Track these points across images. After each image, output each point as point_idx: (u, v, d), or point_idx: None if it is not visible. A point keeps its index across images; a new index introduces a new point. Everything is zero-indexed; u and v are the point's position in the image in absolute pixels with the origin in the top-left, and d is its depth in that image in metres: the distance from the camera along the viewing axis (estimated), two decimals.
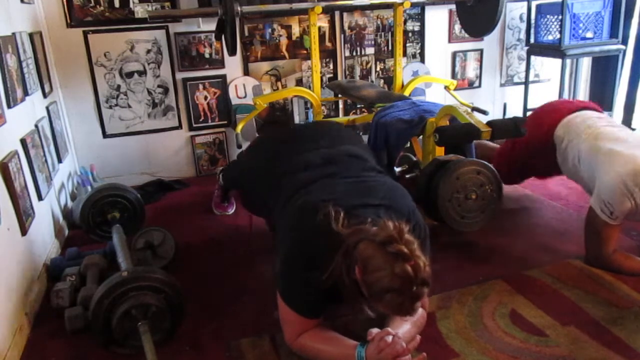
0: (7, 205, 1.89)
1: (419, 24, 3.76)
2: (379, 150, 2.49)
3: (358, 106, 3.74)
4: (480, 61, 3.97)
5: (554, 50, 3.52)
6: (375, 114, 2.62)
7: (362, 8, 3.57)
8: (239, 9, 2.65)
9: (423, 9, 3.72)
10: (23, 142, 2.19)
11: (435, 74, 3.79)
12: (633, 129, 3.58)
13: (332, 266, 1.41)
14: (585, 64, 4.10)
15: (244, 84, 3.49)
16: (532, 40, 3.78)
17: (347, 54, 3.67)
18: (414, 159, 2.81)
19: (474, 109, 2.80)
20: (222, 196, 2.86)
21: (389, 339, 1.40)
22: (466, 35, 3.52)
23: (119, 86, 3.27)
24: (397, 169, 2.77)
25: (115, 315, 1.63)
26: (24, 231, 2.00)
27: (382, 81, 3.80)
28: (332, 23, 3.57)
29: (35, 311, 1.96)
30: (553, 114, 2.34)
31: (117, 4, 3.14)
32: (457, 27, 3.76)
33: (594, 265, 2.06)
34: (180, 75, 3.37)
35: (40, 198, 2.31)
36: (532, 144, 2.35)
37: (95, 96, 3.24)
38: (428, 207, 2.23)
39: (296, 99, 3.62)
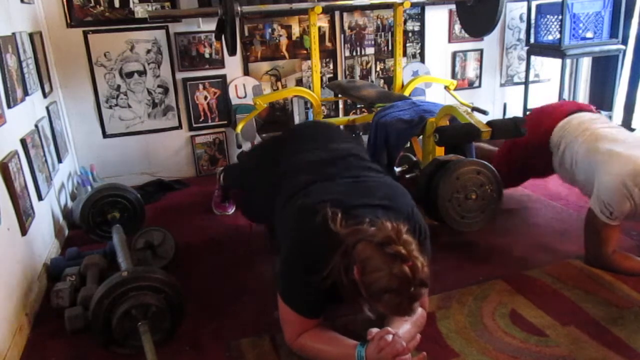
0: (7, 205, 1.89)
1: (419, 24, 3.76)
2: (379, 150, 2.49)
3: (358, 106, 3.74)
4: (480, 61, 3.97)
5: (554, 50, 3.52)
6: (375, 114, 2.62)
7: (362, 8, 3.57)
8: (239, 9, 2.65)
9: (423, 9, 3.72)
10: (23, 142, 2.19)
11: (435, 74, 3.79)
12: (633, 129, 3.58)
13: (330, 266, 1.41)
14: (585, 64, 4.10)
15: (244, 84, 3.49)
16: (532, 40, 3.78)
17: (347, 54, 3.67)
18: (414, 159, 2.81)
19: (474, 109, 2.80)
20: (222, 196, 2.86)
21: (389, 338, 1.41)
22: (466, 35, 3.52)
23: (119, 86, 3.27)
24: (397, 169, 2.77)
25: (115, 315, 1.63)
26: (24, 231, 2.00)
27: (382, 81, 3.80)
28: (332, 23, 3.57)
29: (35, 311, 1.96)
30: (548, 119, 2.34)
31: (117, 4, 3.14)
32: (457, 27, 3.76)
33: (594, 265, 2.06)
34: (180, 75, 3.37)
35: (40, 198, 2.31)
36: (532, 143, 2.35)
37: (95, 96, 3.24)
38: (428, 207, 2.23)
39: (296, 99, 3.62)
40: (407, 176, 2.78)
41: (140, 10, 3.17)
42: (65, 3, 3.04)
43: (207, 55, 3.38)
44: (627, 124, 3.61)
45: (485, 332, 1.71)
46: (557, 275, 2.04)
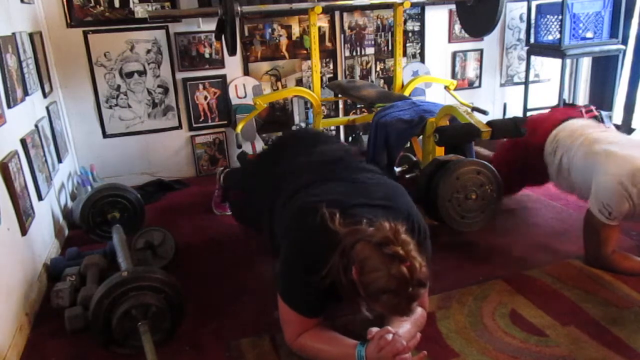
0: (7, 205, 1.89)
1: (419, 24, 3.76)
2: (379, 150, 2.50)
3: (358, 106, 3.74)
4: (480, 61, 3.97)
5: (554, 50, 3.52)
6: (375, 114, 2.62)
7: (362, 8, 3.57)
8: (239, 9, 2.65)
9: (423, 9, 3.72)
10: (23, 142, 2.19)
11: (435, 74, 3.79)
12: (633, 129, 3.58)
13: (329, 265, 1.41)
14: (585, 64, 4.10)
15: (244, 84, 3.49)
16: (532, 40, 3.78)
17: (347, 54, 3.67)
18: (414, 159, 2.82)
19: (474, 109, 2.80)
20: (222, 196, 2.85)
21: (389, 337, 1.41)
22: (466, 35, 3.52)
23: (119, 86, 3.27)
24: (397, 169, 2.77)
25: (115, 315, 1.63)
26: (24, 231, 2.00)
27: (382, 81, 3.80)
28: (332, 23, 3.57)
29: (35, 311, 1.96)
30: (541, 129, 2.35)
31: (117, 4, 3.14)
32: (457, 27, 3.76)
33: (594, 265, 2.06)
34: (180, 75, 3.37)
35: (40, 198, 2.31)
36: (532, 145, 2.36)
37: (95, 96, 3.24)
38: (428, 207, 2.23)
39: (296, 99, 3.63)
40: (407, 176, 2.78)
41: (140, 10, 3.17)
42: (65, 3, 3.04)
43: (207, 55, 3.38)
44: (627, 124, 3.60)
45: (485, 332, 1.71)
46: (557, 275, 2.04)
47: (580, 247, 2.13)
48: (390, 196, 1.66)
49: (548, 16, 3.59)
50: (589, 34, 3.49)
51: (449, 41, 3.86)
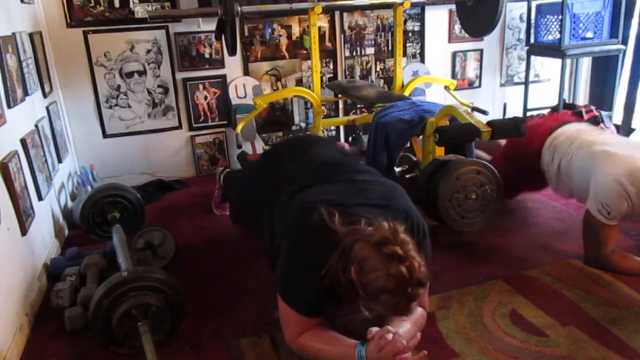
0: (7, 205, 1.89)
1: (419, 24, 3.76)
2: (379, 150, 2.49)
3: (358, 106, 3.74)
4: (480, 61, 3.97)
5: (554, 50, 3.52)
6: (375, 114, 2.62)
7: (362, 8, 3.57)
8: (239, 9, 2.65)
9: (423, 9, 3.72)
10: (23, 142, 2.19)
11: (435, 74, 3.79)
12: (633, 129, 3.58)
13: (328, 265, 1.41)
14: (585, 64, 4.10)
15: (244, 84, 3.49)
16: (532, 40, 3.78)
17: (347, 54, 3.67)
18: (414, 159, 2.81)
19: (474, 109, 2.80)
20: (222, 196, 2.85)
21: (389, 336, 1.41)
22: (466, 35, 3.52)
23: (119, 86, 3.27)
24: (397, 169, 2.77)
25: (115, 315, 1.63)
26: (24, 231, 2.00)
27: (382, 81, 3.80)
28: (332, 23, 3.57)
29: (35, 311, 1.96)
30: (535, 137, 2.36)
31: (117, 4, 3.14)
32: (457, 27, 3.76)
33: (593, 265, 2.06)
34: (180, 75, 3.37)
35: (40, 198, 2.31)
36: (528, 152, 2.38)
37: (95, 96, 3.24)
38: (428, 207, 2.23)
39: (296, 99, 3.63)
40: (407, 176, 2.78)
41: (140, 10, 3.17)
42: (65, 3, 3.04)
43: (207, 55, 3.38)
44: (627, 124, 3.60)
45: (485, 332, 1.71)
46: (557, 275, 2.04)
47: (580, 247, 2.13)
48: (389, 196, 1.67)
49: (548, 16, 3.59)
50: (589, 34, 3.49)
51: (449, 41, 3.86)
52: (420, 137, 2.60)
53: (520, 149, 2.42)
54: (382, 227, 1.39)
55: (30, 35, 2.61)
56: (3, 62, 2.07)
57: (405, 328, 1.54)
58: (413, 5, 3.20)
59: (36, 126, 2.44)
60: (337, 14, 3.56)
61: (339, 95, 3.41)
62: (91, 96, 3.23)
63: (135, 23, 3.19)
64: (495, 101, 4.11)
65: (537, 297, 1.89)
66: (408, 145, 2.86)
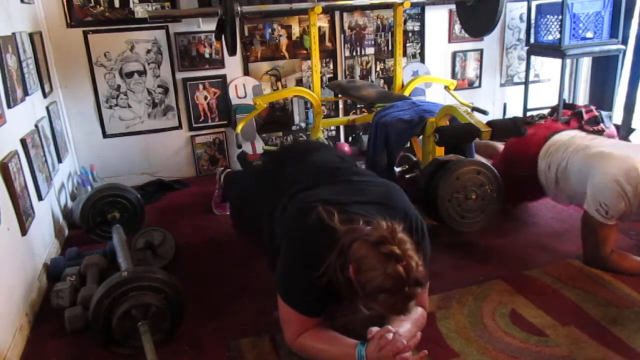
0: (7, 205, 1.89)
1: (419, 24, 3.76)
2: (379, 150, 2.49)
3: (358, 106, 3.74)
4: (480, 61, 3.97)
5: (554, 50, 3.51)
6: (375, 114, 2.62)
7: (362, 8, 3.57)
8: (239, 9, 2.65)
9: (423, 9, 3.72)
10: (23, 142, 2.19)
11: (435, 74, 3.79)
12: (633, 129, 3.58)
13: (326, 264, 1.42)
14: (585, 64, 4.10)
15: (244, 84, 3.49)
16: (532, 40, 3.78)
17: (347, 54, 3.67)
18: (414, 159, 2.81)
19: (474, 109, 2.80)
20: (222, 196, 2.85)
21: (390, 336, 1.41)
22: (466, 35, 3.51)
23: (119, 86, 3.27)
24: (397, 169, 2.76)
25: (115, 315, 1.63)
26: (24, 231, 2.00)
27: (382, 81, 3.80)
28: (332, 23, 3.57)
29: (35, 311, 1.96)
30: (531, 146, 2.37)
31: (117, 4, 3.14)
32: (457, 27, 3.76)
33: (593, 265, 2.07)
34: (180, 75, 3.37)
35: (40, 198, 2.31)
36: (523, 162, 2.39)
37: (95, 96, 3.24)
38: (428, 207, 2.23)
39: (296, 99, 3.63)
40: (407, 176, 2.78)
41: (140, 10, 3.17)
42: (65, 3, 3.04)
43: (207, 55, 3.38)
44: (627, 124, 3.60)
45: (485, 332, 1.71)
46: (557, 275, 2.04)
47: (580, 247, 2.13)
48: (387, 195, 1.68)
49: (548, 16, 3.58)
50: (589, 34, 3.49)
51: (449, 41, 3.86)
52: (420, 137, 2.60)
53: (517, 158, 2.43)
54: (380, 226, 1.39)
55: (30, 35, 2.61)
56: (3, 62, 2.07)
57: (405, 328, 1.54)
58: (413, 5, 3.19)
59: (36, 126, 2.44)
60: (337, 14, 3.56)
61: (339, 95, 3.41)
62: (91, 96, 3.23)
63: (135, 23, 3.19)
64: (495, 101, 4.11)
65: (537, 297, 1.89)
66: (408, 145, 2.86)
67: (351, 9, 3.54)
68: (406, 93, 3.08)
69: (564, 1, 3.34)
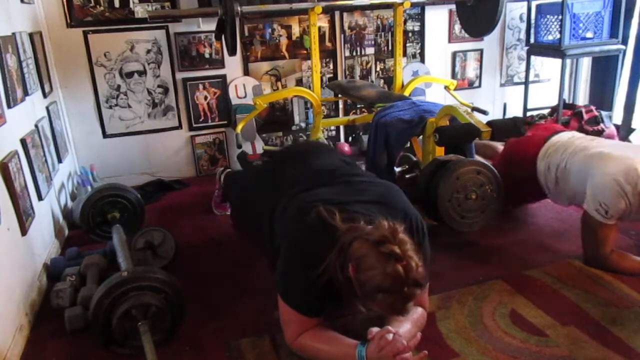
0: (7, 205, 1.89)
1: (419, 24, 3.76)
2: (379, 150, 2.49)
3: (358, 106, 3.74)
4: (480, 61, 3.97)
5: (554, 50, 3.51)
6: (375, 114, 2.62)
7: (362, 8, 3.57)
8: (239, 9, 2.65)
9: (423, 9, 3.72)
10: (23, 142, 2.19)
11: (435, 74, 3.79)
12: (633, 129, 3.58)
13: (326, 262, 1.42)
14: (585, 64, 4.10)
15: (244, 84, 3.49)
16: (532, 40, 3.78)
17: (347, 54, 3.67)
18: (414, 159, 2.81)
19: (474, 109, 2.80)
20: (222, 196, 2.85)
21: (390, 337, 1.41)
22: (466, 35, 3.51)
23: (119, 86, 3.27)
24: (397, 169, 2.77)
25: (115, 315, 1.63)
26: (24, 231, 2.00)
27: (382, 81, 3.80)
28: (332, 23, 3.57)
29: (35, 311, 1.96)
30: (530, 147, 2.37)
31: (117, 4, 3.14)
32: (457, 27, 3.76)
33: (592, 265, 2.07)
34: (180, 75, 3.37)
35: (40, 198, 2.31)
36: (522, 163, 2.39)
37: (95, 96, 3.24)
38: (428, 207, 2.23)
39: (296, 99, 3.63)
40: (407, 176, 2.78)
41: (140, 10, 3.17)
42: (65, 3, 3.04)
43: (207, 55, 3.38)
44: (627, 124, 3.60)
45: (485, 332, 1.71)
46: (557, 275, 2.04)
47: (580, 247, 2.13)
48: (386, 195, 1.68)
49: (548, 16, 3.58)
50: (589, 34, 3.49)
51: (449, 41, 3.86)
52: (420, 137, 2.60)
53: (516, 159, 2.43)
54: (381, 225, 1.40)
55: (30, 35, 2.61)
56: (3, 62, 2.07)
57: (405, 328, 1.54)
58: (413, 5, 3.19)
59: (36, 126, 2.44)
60: (337, 14, 3.56)
61: (339, 95, 3.41)
62: (91, 96, 3.23)
63: (135, 23, 3.19)
64: (495, 101, 4.11)
65: (537, 297, 1.89)
66: (408, 145, 2.86)
67: (351, 9, 3.54)
68: (406, 93, 3.08)
69: (564, 1, 3.34)
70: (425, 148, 2.52)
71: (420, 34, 3.79)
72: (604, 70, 3.85)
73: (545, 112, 3.89)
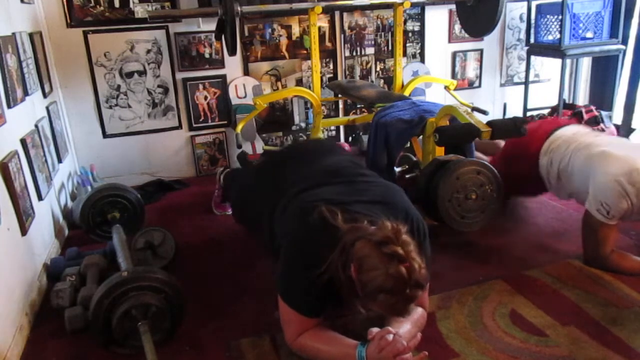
0: (7, 205, 1.89)
1: (419, 24, 3.76)
2: (379, 150, 2.49)
3: (358, 106, 3.74)
4: (480, 61, 3.97)
5: (554, 50, 3.52)
6: (375, 114, 2.62)
7: (362, 8, 3.57)
8: (239, 9, 2.65)
9: (423, 9, 3.72)
10: (23, 142, 2.19)
11: (435, 74, 3.79)
12: (633, 129, 3.58)
13: (328, 262, 1.42)
14: (585, 64, 4.10)
15: (244, 84, 3.49)
16: (532, 40, 3.78)
17: (347, 54, 3.67)
18: (414, 159, 2.81)
19: (474, 109, 2.80)
20: (222, 196, 2.85)
21: (390, 337, 1.41)
22: (466, 35, 3.52)
23: (119, 86, 3.27)
24: (397, 169, 2.77)
25: (115, 315, 1.63)
26: (24, 231, 2.00)
27: (382, 81, 3.80)
28: (332, 23, 3.57)
29: (35, 311, 1.96)
30: (532, 142, 2.36)
31: (117, 4, 3.14)
32: (457, 27, 3.76)
33: (592, 265, 2.07)
34: (180, 75, 3.37)
35: (40, 198, 2.31)
36: (524, 156, 2.39)
37: (95, 96, 3.24)
38: (428, 207, 2.23)
39: (296, 99, 3.63)
40: (407, 176, 2.78)
41: (140, 10, 3.17)
42: (65, 3, 3.04)
43: (207, 55, 3.38)
44: (627, 124, 3.60)
45: (485, 332, 1.71)
46: (557, 275, 2.04)
47: (580, 247, 2.13)
48: (388, 195, 1.68)
49: (548, 16, 3.59)
50: (589, 34, 3.49)
51: (449, 41, 3.86)
52: (420, 137, 2.60)
53: (518, 152, 2.43)
54: (385, 226, 1.39)
55: (30, 35, 2.61)
56: (3, 62, 2.07)
57: (405, 328, 1.54)
58: (413, 5, 3.19)
59: (36, 126, 2.44)
60: (337, 14, 3.56)
61: (339, 95, 3.41)
62: (91, 96, 3.23)
63: (135, 23, 3.19)
64: (495, 101, 4.11)
65: (537, 297, 1.89)
66: (408, 145, 2.86)
67: (351, 9, 3.54)
68: (406, 93, 3.08)
69: (564, 1, 3.34)
70: (425, 148, 2.52)
71: (420, 34, 3.79)
72: (604, 70, 3.85)
73: (545, 112, 3.89)
